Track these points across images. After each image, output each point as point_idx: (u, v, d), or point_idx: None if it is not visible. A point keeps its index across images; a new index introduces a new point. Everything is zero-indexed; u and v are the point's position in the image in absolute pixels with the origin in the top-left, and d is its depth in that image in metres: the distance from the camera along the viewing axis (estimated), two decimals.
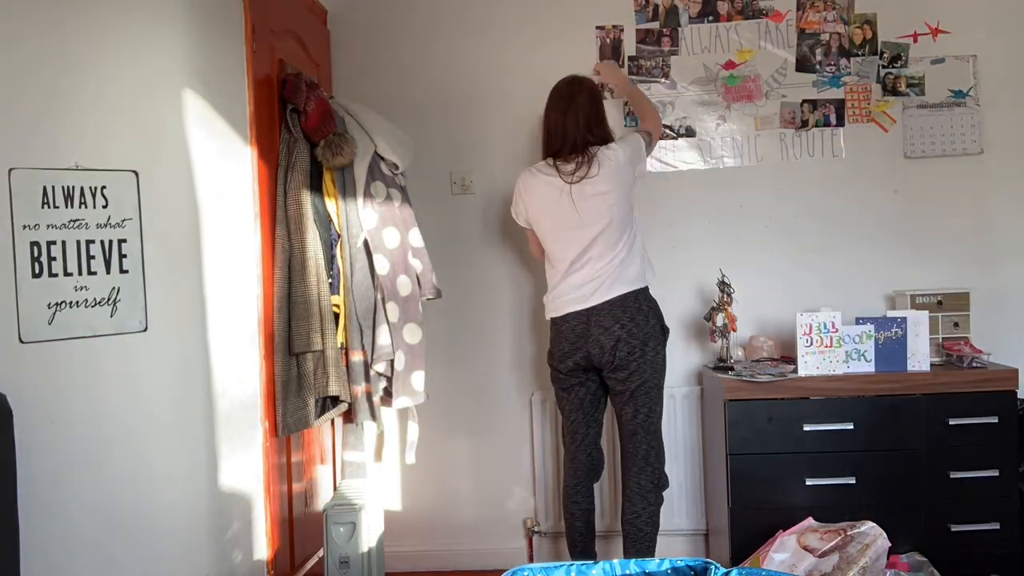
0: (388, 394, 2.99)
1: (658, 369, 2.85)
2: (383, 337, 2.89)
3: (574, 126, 2.83)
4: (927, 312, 3.10)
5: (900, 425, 2.98)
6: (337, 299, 2.88)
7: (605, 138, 2.88)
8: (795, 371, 3.04)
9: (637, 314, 2.79)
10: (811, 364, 3.02)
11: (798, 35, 3.37)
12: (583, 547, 2.97)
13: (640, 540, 2.85)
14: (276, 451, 2.71)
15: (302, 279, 2.74)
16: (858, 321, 3.06)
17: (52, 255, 1.96)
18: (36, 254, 1.93)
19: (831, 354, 3.02)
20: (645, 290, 2.85)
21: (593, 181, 2.78)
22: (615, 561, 1.71)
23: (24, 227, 1.91)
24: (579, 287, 2.81)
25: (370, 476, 3.23)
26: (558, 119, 2.87)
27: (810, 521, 2.90)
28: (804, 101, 3.39)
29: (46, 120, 1.96)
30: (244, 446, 2.55)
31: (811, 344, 3.02)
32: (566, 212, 2.81)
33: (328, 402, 2.87)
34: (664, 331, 2.88)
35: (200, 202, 2.38)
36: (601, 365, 2.81)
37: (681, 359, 3.45)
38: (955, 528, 2.96)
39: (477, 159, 3.46)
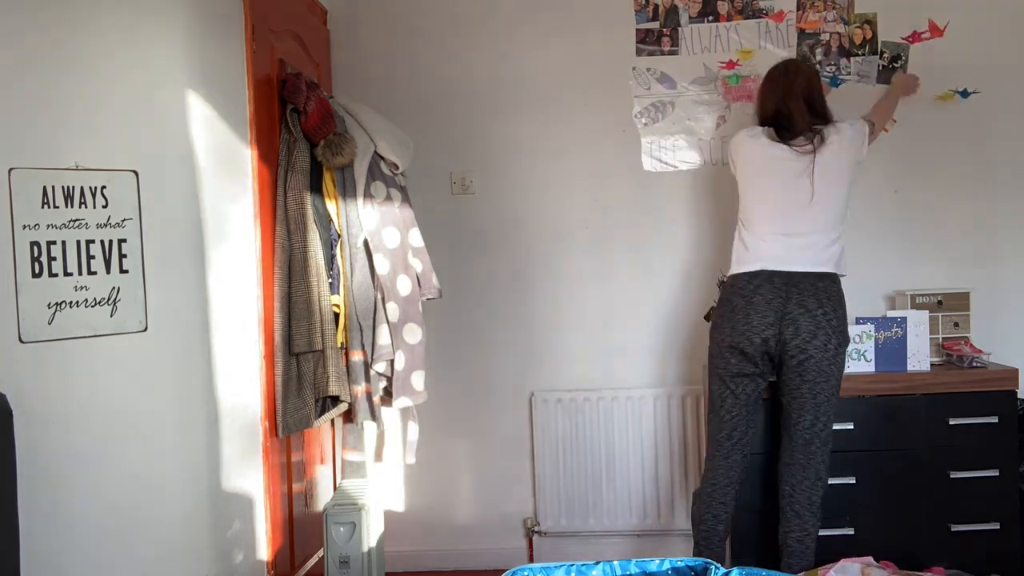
0: (388, 394, 2.99)
1: (841, 370, 2.68)
2: (383, 337, 2.89)
3: (798, 112, 2.69)
4: (927, 312, 3.10)
5: (900, 425, 2.97)
6: (337, 299, 2.87)
7: (827, 118, 2.75)
8: None
9: (839, 305, 2.63)
10: None
11: (798, 35, 3.37)
12: (720, 550, 2.82)
13: (806, 556, 2.69)
14: (276, 451, 2.71)
15: (302, 279, 2.74)
16: (858, 321, 3.06)
17: (52, 255, 1.96)
18: (36, 254, 1.93)
19: None
20: (839, 280, 2.70)
21: (826, 155, 2.64)
22: (615, 561, 1.71)
23: (24, 227, 1.91)
24: (783, 246, 2.64)
25: (370, 476, 3.23)
26: (778, 105, 2.73)
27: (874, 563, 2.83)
28: None
29: (46, 120, 1.96)
30: (244, 446, 2.55)
31: None
32: (796, 184, 2.65)
33: (328, 402, 2.87)
34: (847, 339, 2.69)
35: (200, 202, 2.38)
36: (790, 351, 2.59)
37: (681, 359, 3.45)
38: (955, 528, 2.96)
39: (477, 159, 3.46)
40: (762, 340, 2.62)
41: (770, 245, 2.68)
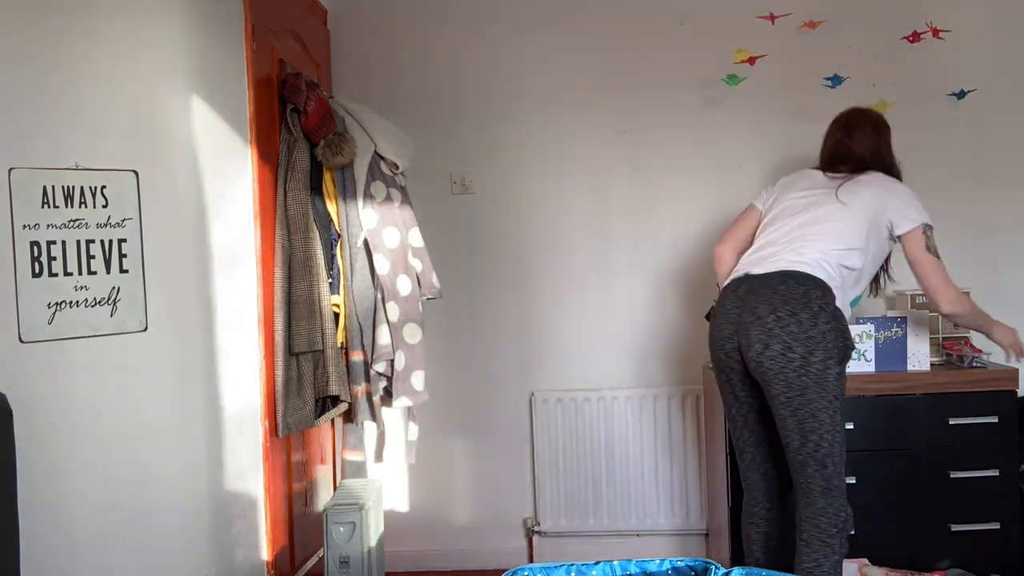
0: (388, 394, 2.99)
1: (826, 379, 2.34)
2: (383, 337, 2.89)
3: (858, 147, 2.63)
4: (927, 312, 3.10)
5: (900, 425, 2.97)
6: (337, 299, 2.88)
7: (888, 167, 2.64)
8: None
9: (801, 308, 2.32)
10: None
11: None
12: (769, 567, 2.57)
13: None
14: (276, 451, 2.71)
15: (302, 279, 2.74)
16: (858, 321, 3.06)
17: (52, 255, 1.96)
18: (36, 254, 1.93)
19: None
20: (821, 283, 2.38)
21: (858, 187, 2.52)
22: (615, 562, 1.71)
23: (24, 227, 1.91)
24: (757, 252, 2.51)
25: (370, 476, 3.23)
26: (837, 139, 2.67)
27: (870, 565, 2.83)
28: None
29: (46, 120, 1.96)
30: (244, 446, 2.55)
31: None
32: (814, 199, 2.54)
33: (328, 402, 2.87)
34: (842, 345, 2.37)
35: (200, 202, 2.38)
36: (751, 367, 2.38)
37: (681, 359, 3.45)
38: (955, 528, 2.96)
39: (477, 159, 3.46)
40: (726, 354, 2.44)
41: (750, 254, 2.55)
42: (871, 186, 2.55)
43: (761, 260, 2.48)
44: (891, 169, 2.67)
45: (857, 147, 2.64)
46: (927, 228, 2.55)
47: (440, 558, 3.49)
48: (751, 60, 3.21)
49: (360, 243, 2.88)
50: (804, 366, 2.30)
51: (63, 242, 1.98)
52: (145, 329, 2.16)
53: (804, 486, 2.40)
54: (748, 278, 2.45)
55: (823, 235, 2.47)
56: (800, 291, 2.34)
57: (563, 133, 3.43)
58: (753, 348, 2.34)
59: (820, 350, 2.31)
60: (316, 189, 2.84)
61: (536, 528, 3.46)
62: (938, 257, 2.57)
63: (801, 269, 2.40)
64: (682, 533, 3.42)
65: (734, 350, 2.42)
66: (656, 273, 3.44)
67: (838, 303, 2.39)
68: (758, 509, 2.61)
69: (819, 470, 2.36)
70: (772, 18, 3.18)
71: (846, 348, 2.38)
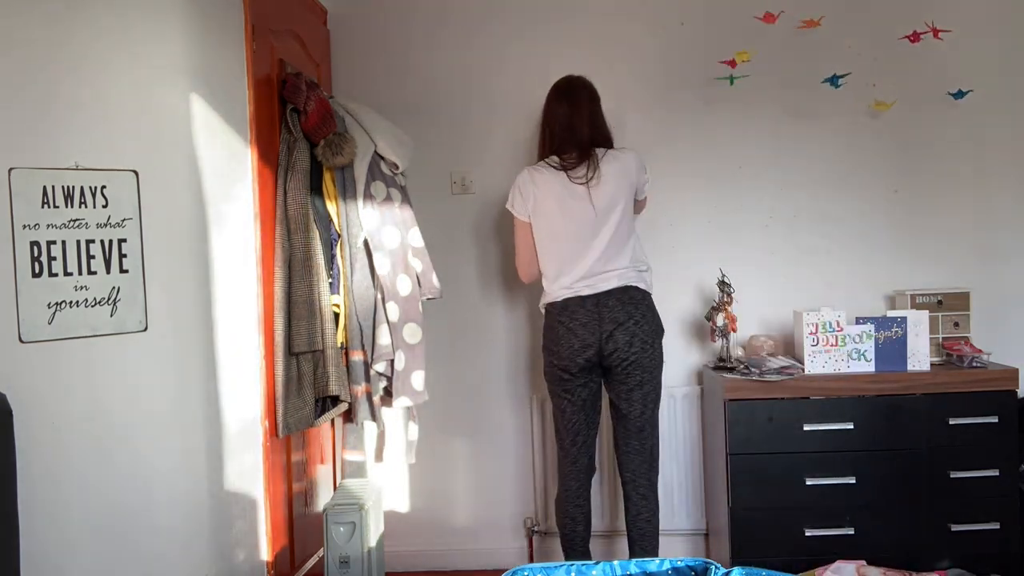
0: (388, 394, 2.99)
1: (660, 364, 2.84)
2: (383, 337, 2.89)
3: (580, 122, 2.81)
4: (927, 312, 3.10)
5: (900, 425, 2.98)
6: (337, 299, 2.88)
7: (607, 138, 2.87)
8: (802, 370, 3.04)
9: (647, 311, 2.79)
10: (818, 363, 3.03)
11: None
12: (583, 550, 2.96)
13: (653, 537, 2.85)
14: (276, 451, 2.71)
15: (302, 279, 2.74)
16: (858, 321, 3.06)
17: (52, 255, 1.96)
18: (36, 254, 1.93)
19: (836, 353, 3.03)
20: (647, 292, 2.84)
21: (603, 182, 2.76)
22: (615, 562, 1.71)
23: (24, 227, 1.91)
24: (587, 275, 2.76)
25: (370, 476, 3.23)
26: (562, 117, 2.84)
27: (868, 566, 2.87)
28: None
29: (46, 120, 1.96)
30: (244, 446, 2.55)
31: (817, 343, 3.03)
32: (579, 209, 2.77)
33: (328, 402, 2.87)
34: (661, 331, 2.85)
35: (200, 202, 2.38)
36: (612, 362, 2.76)
37: (681, 359, 3.45)
38: (955, 528, 2.96)
39: (477, 159, 3.46)
40: (585, 360, 2.76)
41: (572, 276, 2.83)
42: (615, 175, 2.80)
43: (602, 282, 2.80)
44: (611, 138, 2.90)
45: (580, 122, 2.84)
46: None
47: (440, 558, 3.49)
48: (731, 63, 3.21)
49: (360, 243, 2.88)
50: (652, 350, 2.80)
51: (63, 242, 1.98)
52: (145, 329, 2.16)
53: (639, 447, 2.84)
54: (597, 297, 2.78)
55: (625, 250, 2.85)
56: (643, 301, 2.83)
57: None
58: (618, 344, 2.76)
59: (658, 336, 2.84)
60: (316, 189, 2.84)
61: (536, 528, 3.46)
62: None
63: (639, 285, 2.85)
64: (682, 533, 3.42)
65: (595, 354, 2.78)
66: (656, 272, 3.43)
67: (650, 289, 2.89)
68: (584, 493, 2.92)
69: (652, 433, 2.86)
70: (774, 18, 3.17)
71: (661, 327, 2.87)
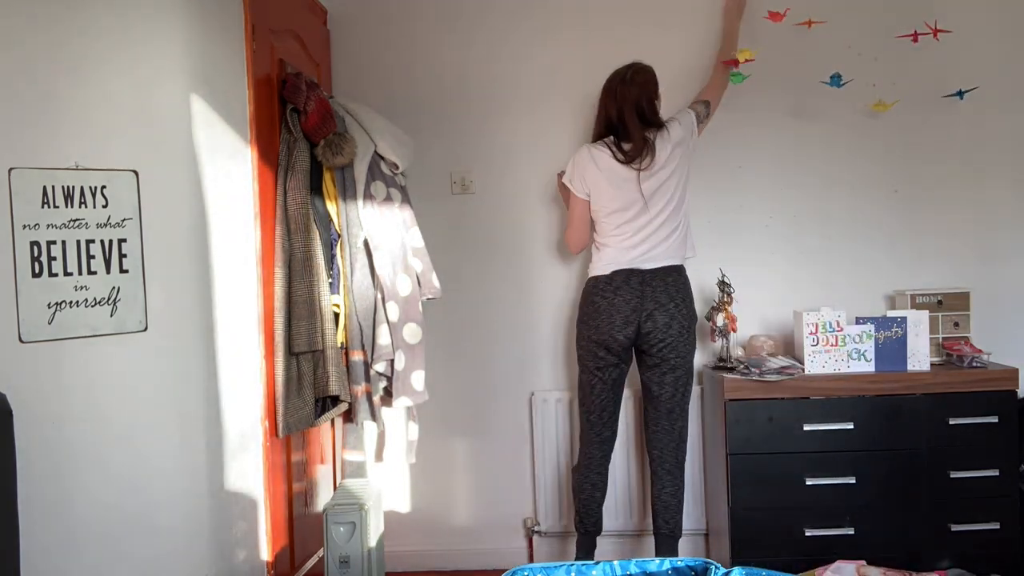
0: (388, 394, 2.99)
1: (693, 350, 2.98)
2: (383, 337, 2.89)
3: (631, 112, 2.90)
4: (927, 312, 3.10)
5: (900, 425, 2.98)
6: (337, 299, 2.88)
7: (659, 123, 2.97)
8: (802, 370, 3.04)
9: (687, 296, 2.93)
10: (818, 363, 3.03)
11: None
12: (597, 518, 3.06)
13: (679, 511, 2.98)
14: (276, 451, 2.71)
15: (302, 279, 2.74)
16: (858, 321, 3.06)
17: (52, 255, 1.96)
18: (36, 254, 1.93)
19: (836, 353, 3.03)
20: (684, 269, 2.98)
21: (655, 167, 2.90)
22: (615, 562, 1.71)
23: (24, 227, 1.91)
24: (637, 254, 2.90)
25: (370, 476, 3.23)
26: (618, 103, 2.93)
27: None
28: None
29: (46, 120, 1.96)
30: (244, 446, 2.56)
31: (817, 343, 3.03)
32: (630, 193, 2.90)
33: (328, 402, 2.87)
34: (696, 316, 2.99)
35: (200, 202, 2.38)
36: (649, 342, 2.88)
37: None
38: (955, 528, 2.96)
39: (477, 159, 3.46)
40: (625, 337, 2.89)
41: (620, 249, 2.97)
42: (666, 158, 2.95)
43: (648, 260, 2.95)
44: (661, 120, 3.01)
45: (631, 111, 2.94)
46: (697, 109, 3.11)
47: (440, 558, 3.49)
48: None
49: (360, 243, 2.88)
50: (690, 334, 2.96)
51: (63, 242, 1.98)
52: (145, 329, 2.16)
53: (668, 427, 2.97)
54: (643, 273, 2.92)
55: (674, 226, 3.01)
56: (685, 284, 3.00)
57: (563, 132, 3.43)
58: (657, 324, 2.90)
59: (694, 320, 3.01)
60: (316, 189, 2.84)
61: (536, 528, 3.46)
62: None
63: (680, 263, 3.04)
64: (682, 533, 3.41)
65: (634, 332, 2.91)
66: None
67: (688, 260, 3.07)
68: (605, 463, 3.06)
69: (681, 415, 2.99)
70: (780, 16, 3.17)
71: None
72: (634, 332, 2.87)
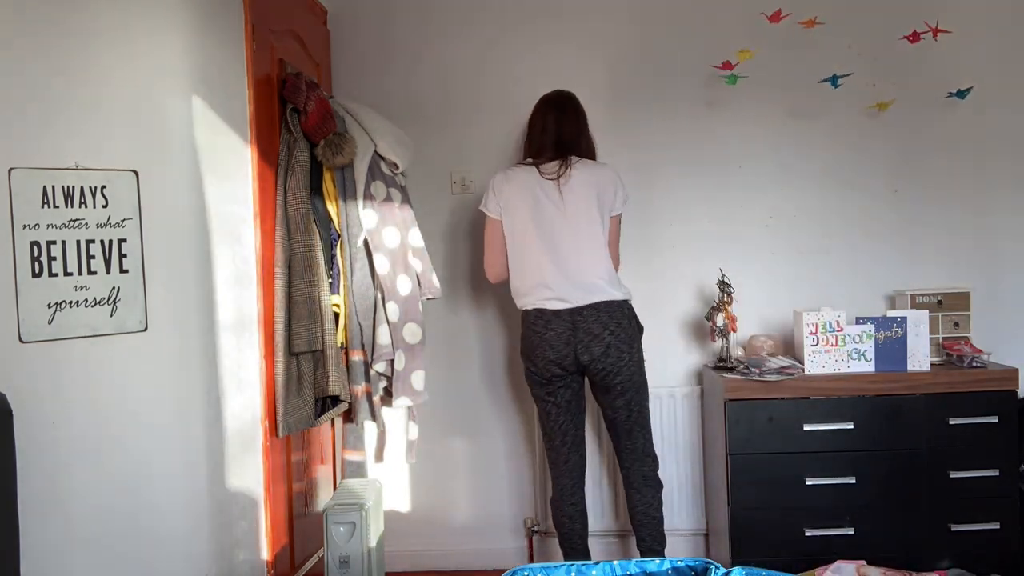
0: (388, 394, 3.00)
1: (640, 364, 2.86)
2: (383, 337, 2.89)
3: (561, 129, 2.85)
4: (927, 312, 3.11)
5: (900, 425, 2.98)
6: (337, 299, 2.88)
7: (590, 150, 2.91)
8: (802, 370, 3.04)
9: (622, 318, 2.79)
10: (818, 363, 3.03)
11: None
12: (583, 547, 2.98)
13: (656, 526, 2.90)
14: (276, 451, 2.71)
15: (302, 279, 2.74)
16: (858, 321, 3.06)
17: (52, 255, 1.96)
18: (36, 254, 1.93)
19: (836, 353, 3.03)
20: (624, 301, 2.83)
21: (573, 183, 2.79)
22: (615, 562, 1.71)
23: (24, 227, 1.90)
24: (560, 283, 2.76)
25: (370, 476, 3.23)
26: (546, 123, 2.88)
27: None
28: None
29: (46, 120, 1.96)
30: (244, 446, 2.55)
31: (817, 343, 3.03)
32: (547, 209, 2.79)
33: (328, 402, 2.87)
34: (640, 329, 2.88)
35: (200, 202, 2.38)
36: (590, 371, 2.80)
37: (681, 359, 3.45)
38: (955, 528, 2.96)
39: (477, 159, 3.46)
40: (561, 369, 2.80)
41: (543, 279, 2.84)
42: (588, 182, 2.82)
43: (575, 295, 2.80)
44: (594, 152, 2.95)
45: (568, 131, 2.88)
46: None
47: (440, 558, 3.49)
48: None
49: (360, 243, 2.88)
50: (629, 355, 2.83)
51: (63, 242, 1.98)
52: (145, 329, 2.16)
53: (630, 446, 2.90)
54: (572, 311, 2.78)
55: (596, 255, 2.85)
56: (619, 310, 2.83)
57: None
58: (593, 355, 2.79)
59: (635, 340, 2.87)
60: (316, 189, 2.84)
61: (536, 528, 3.46)
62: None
63: (615, 298, 2.83)
64: (682, 533, 3.41)
65: (572, 363, 2.81)
66: (656, 273, 3.44)
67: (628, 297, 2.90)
68: (578, 490, 2.97)
69: (641, 431, 2.90)
70: (778, 16, 3.16)
71: (640, 328, 2.89)
72: (572, 363, 2.78)
